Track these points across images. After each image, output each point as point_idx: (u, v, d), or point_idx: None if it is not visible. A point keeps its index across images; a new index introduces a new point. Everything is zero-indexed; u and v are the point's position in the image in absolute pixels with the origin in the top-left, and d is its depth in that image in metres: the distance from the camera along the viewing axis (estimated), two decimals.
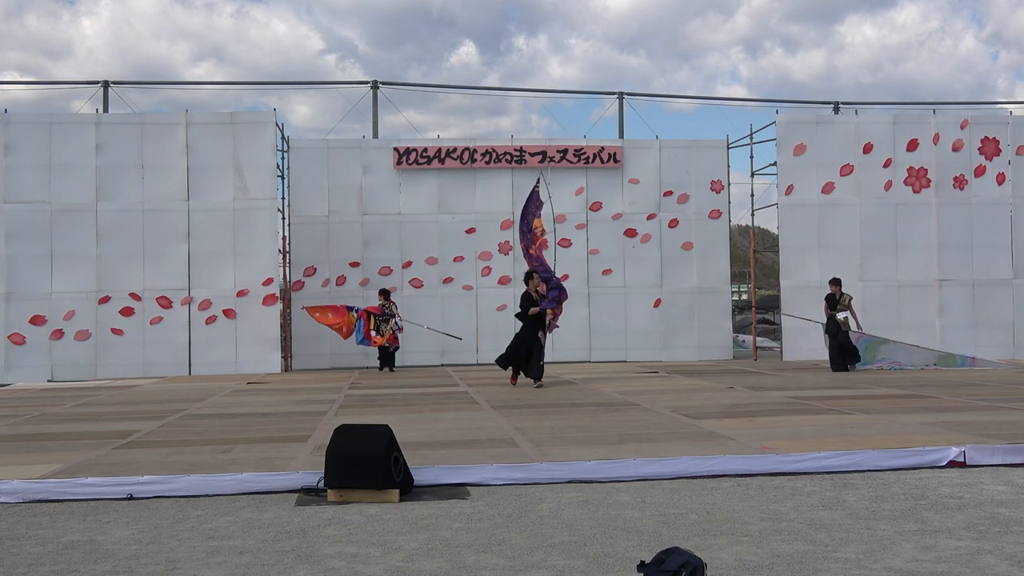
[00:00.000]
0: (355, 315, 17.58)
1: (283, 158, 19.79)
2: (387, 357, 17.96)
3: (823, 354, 17.16)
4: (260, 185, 18.46)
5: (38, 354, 17.81)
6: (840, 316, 16.43)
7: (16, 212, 17.98)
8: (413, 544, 4.80)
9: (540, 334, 13.71)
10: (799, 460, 6.69)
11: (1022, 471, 6.57)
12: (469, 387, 13.86)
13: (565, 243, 20.21)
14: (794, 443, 7.45)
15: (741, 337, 17.49)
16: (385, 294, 17.91)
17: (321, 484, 6.01)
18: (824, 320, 16.80)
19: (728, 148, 20.98)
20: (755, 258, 23.84)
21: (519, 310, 14.06)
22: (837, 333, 16.40)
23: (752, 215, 22.05)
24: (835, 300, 16.70)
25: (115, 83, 21.11)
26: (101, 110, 20.06)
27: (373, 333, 17.41)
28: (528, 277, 13.99)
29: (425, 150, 20.01)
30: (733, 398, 11.47)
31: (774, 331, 27.64)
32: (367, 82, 22.05)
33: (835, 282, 16.87)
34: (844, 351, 16.33)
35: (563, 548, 4.67)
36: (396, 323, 17.75)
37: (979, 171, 20.07)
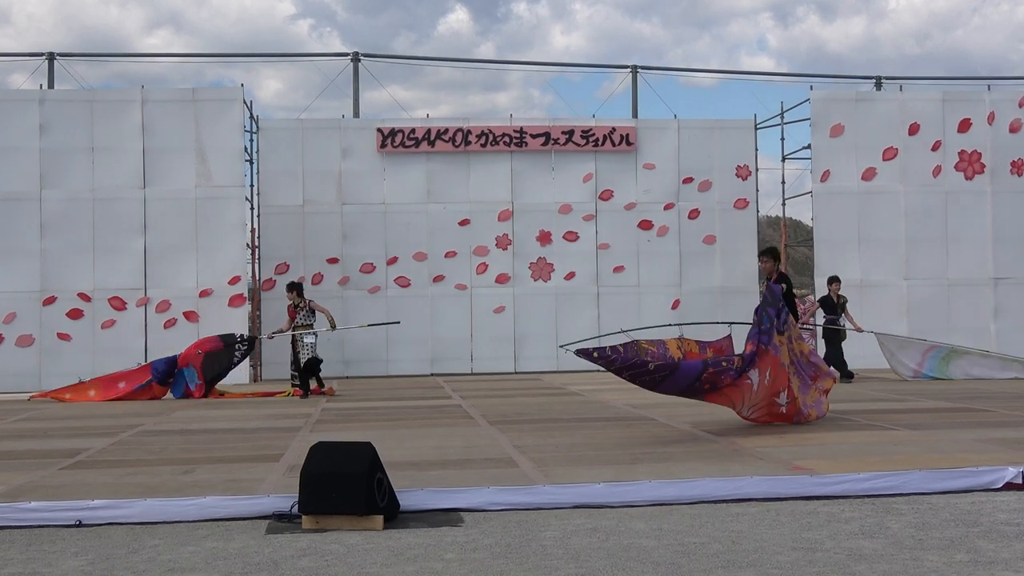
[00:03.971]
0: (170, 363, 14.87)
1: (252, 140, 19.80)
2: (308, 369, 15.13)
3: (863, 362, 17.14)
4: (226, 171, 18.45)
5: None
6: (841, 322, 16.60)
7: None
8: None
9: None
10: (836, 482, 6.69)
11: None
12: (462, 399, 13.87)
13: (571, 237, 20.24)
14: (830, 463, 7.46)
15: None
16: (297, 289, 15.58)
17: (295, 509, 6.01)
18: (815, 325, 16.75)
19: (756, 129, 20.99)
20: (786, 253, 23.87)
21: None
22: (837, 340, 16.43)
23: (783, 204, 22.08)
24: (833, 303, 16.73)
25: (61, 55, 21.11)
26: (45, 85, 20.04)
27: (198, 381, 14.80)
28: (770, 255, 11.47)
29: (412, 131, 20.01)
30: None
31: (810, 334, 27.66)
32: (347, 54, 22.05)
33: (835, 280, 16.90)
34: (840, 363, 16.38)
35: None
36: (308, 339, 15.04)
37: None
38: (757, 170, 20.94)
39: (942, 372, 16.21)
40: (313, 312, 15.39)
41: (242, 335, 16.05)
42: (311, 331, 15.23)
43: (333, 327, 15.46)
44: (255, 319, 19.66)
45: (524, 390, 15.54)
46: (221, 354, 15.31)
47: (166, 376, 14.93)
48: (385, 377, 19.11)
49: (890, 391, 14.29)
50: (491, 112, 63.11)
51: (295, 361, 15.35)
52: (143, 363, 15.84)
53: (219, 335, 15.71)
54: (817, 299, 16.75)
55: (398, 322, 17.59)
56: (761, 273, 11.24)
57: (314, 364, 15.12)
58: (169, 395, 14.94)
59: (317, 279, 19.63)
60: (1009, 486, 6.75)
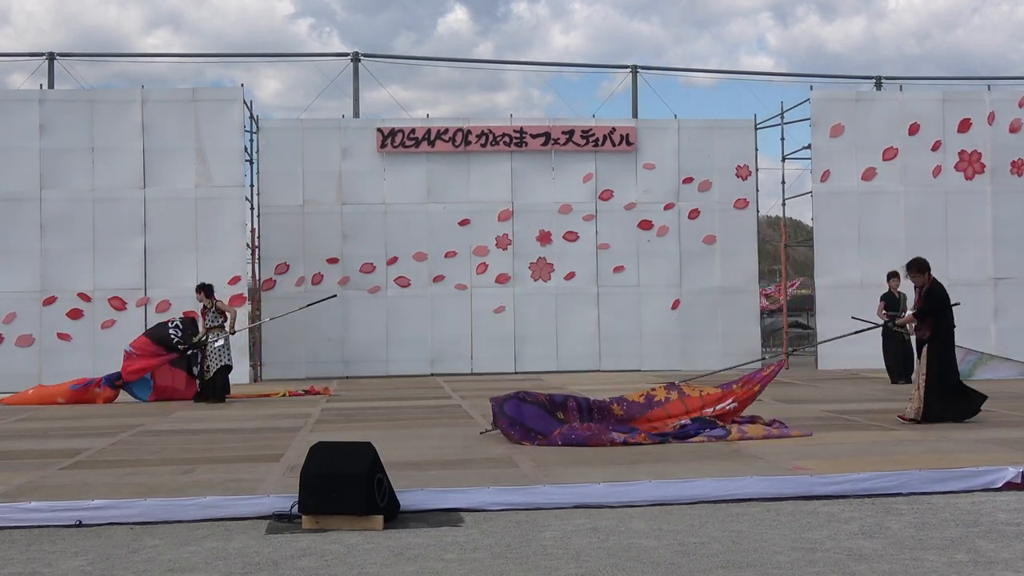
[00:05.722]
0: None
1: (252, 140, 19.80)
2: (211, 383, 14.21)
3: (863, 362, 17.09)
4: (226, 171, 18.45)
5: None
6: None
7: None
8: None
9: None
10: (836, 482, 6.69)
11: None
12: (462, 399, 13.87)
13: (571, 237, 20.23)
14: (830, 463, 7.46)
15: None
16: (205, 290, 14.61)
17: (295, 509, 6.01)
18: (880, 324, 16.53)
19: (756, 129, 20.99)
20: (786, 253, 23.87)
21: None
22: (902, 340, 16.23)
23: (783, 204, 22.08)
24: (895, 300, 16.48)
25: (61, 55, 21.11)
26: (45, 85, 20.04)
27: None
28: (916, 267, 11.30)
29: (412, 131, 20.01)
30: (761, 412, 11.46)
31: (808, 336, 27.71)
32: (347, 54, 22.05)
33: (894, 275, 16.63)
34: (908, 363, 16.13)
35: None
36: (214, 338, 14.17)
37: None
38: (757, 170, 20.93)
39: (970, 372, 16.18)
40: (222, 313, 14.45)
41: (173, 322, 14.82)
42: (220, 336, 14.23)
43: (232, 331, 14.50)
44: (255, 319, 19.65)
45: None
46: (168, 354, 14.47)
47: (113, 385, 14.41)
48: (385, 377, 19.11)
49: (890, 391, 14.29)
50: (491, 112, 63.08)
51: (201, 368, 14.31)
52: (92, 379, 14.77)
53: (154, 340, 14.54)
54: (880, 296, 16.50)
55: (335, 295, 17.97)
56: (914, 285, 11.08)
57: (225, 373, 14.23)
58: (136, 398, 14.45)
59: (317, 279, 19.63)
60: (1009, 486, 6.75)
